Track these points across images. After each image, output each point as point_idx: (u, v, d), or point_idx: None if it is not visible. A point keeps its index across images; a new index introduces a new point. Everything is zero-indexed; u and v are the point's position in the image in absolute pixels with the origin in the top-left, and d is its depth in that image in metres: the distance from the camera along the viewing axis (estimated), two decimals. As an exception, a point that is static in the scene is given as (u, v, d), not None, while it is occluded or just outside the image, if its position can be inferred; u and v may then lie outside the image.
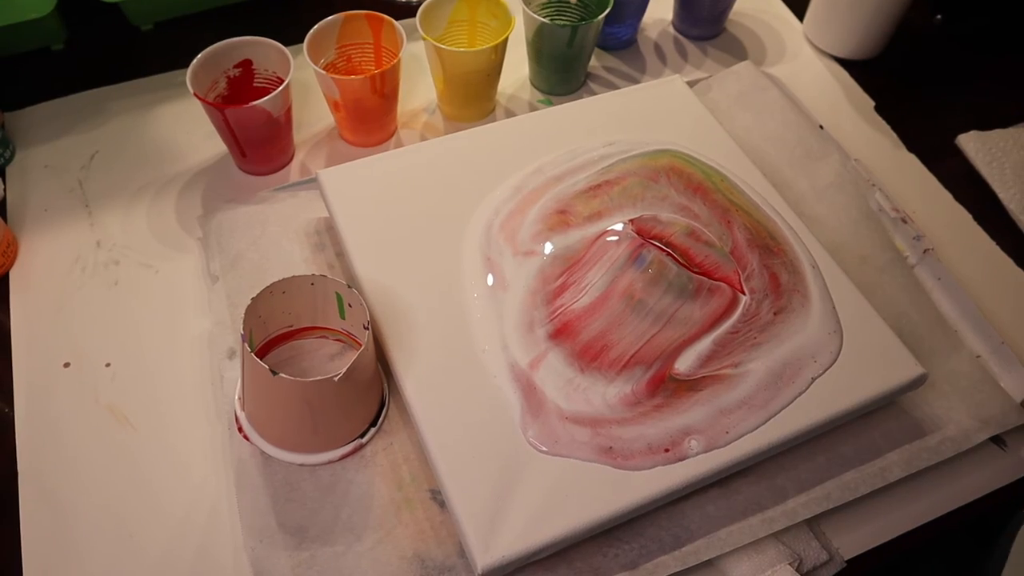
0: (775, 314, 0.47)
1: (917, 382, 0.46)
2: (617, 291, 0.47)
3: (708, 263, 0.49)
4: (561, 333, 0.46)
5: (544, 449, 0.42)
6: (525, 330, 0.46)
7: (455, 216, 0.50)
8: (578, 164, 0.54)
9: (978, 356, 0.51)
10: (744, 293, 0.48)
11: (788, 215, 0.52)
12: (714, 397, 0.44)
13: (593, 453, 0.42)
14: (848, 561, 0.44)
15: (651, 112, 0.57)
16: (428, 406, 0.43)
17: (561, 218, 0.51)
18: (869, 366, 0.45)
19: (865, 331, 0.47)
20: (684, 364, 0.45)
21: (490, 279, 0.48)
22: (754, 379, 0.45)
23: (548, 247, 0.49)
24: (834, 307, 0.48)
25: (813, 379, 0.45)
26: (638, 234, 0.50)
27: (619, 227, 0.50)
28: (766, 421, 0.43)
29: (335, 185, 0.51)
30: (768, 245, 0.51)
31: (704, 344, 0.46)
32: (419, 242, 0.49)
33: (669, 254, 0.49)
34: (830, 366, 0.45)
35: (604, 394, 0.44)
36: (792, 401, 0.44)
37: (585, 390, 0.44)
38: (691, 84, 0.63)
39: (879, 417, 0.47)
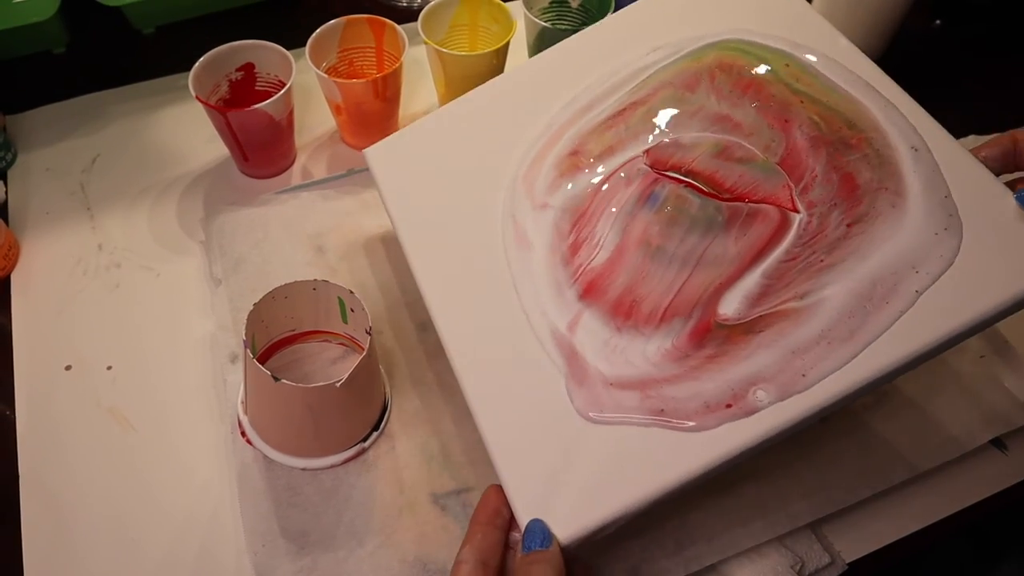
0: (848, 226, 0.39)
1: None
2: (632, 241, 0.42)
3: (743, 184, 0.42)
4: (589, 293, 0.41)
5: (593, 418, 0.38)
6: (555, 292, 0.42)
7: (491, 172, 0.46)
8: (613, 84, 0.47)
9: (982, 356, 0.51)
10: (797, 211, 0.40)
11: (889, 88, 0.44)
12: (780, 336, 0.37)
13: (645, 417, 0.37)
14: (850, 564, 0.44)
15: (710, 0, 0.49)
16: (480, 384, 0.40)
17: (573, 161, 0.45)
18: (1000, 265, 0.36)
19: (997, 222, 0.38)
20: (730, 307, 0.39)
21: (516, 239, 0.44)
22: (832, 307, 0.38)
23: (558, 198, 0.44)
24: (948, 197, 0.39)
25: (918, 292, 0.37)
26: (652, 167, 0.43)
27: (629, 163, 0.44)
28: (856, 355, 0.36)
29: (382, 161, 0.48)
30: (844, 137, 0.42)
31: (751, 281, 0.39)
32: (462, 205, 0.46)
33: (690, 184, 0.43)
34: (942, 273, 0.37)
35: (644, 352, 0.39)
36: (892, 324, 0.36)
37: (624, 351, 0.39)
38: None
39: (880, 418, 0.48)
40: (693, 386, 0.37)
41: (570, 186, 0.44)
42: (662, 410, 0.37)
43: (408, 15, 0.69)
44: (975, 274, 0.36)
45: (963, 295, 0.36)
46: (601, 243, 0.42)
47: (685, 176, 0.43)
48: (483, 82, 0.58)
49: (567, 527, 0.35)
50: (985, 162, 0.41)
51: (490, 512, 0.37)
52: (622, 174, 0.44)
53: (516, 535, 0.37)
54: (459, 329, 0.42)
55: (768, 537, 0.43)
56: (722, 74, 0.46)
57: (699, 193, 0.42)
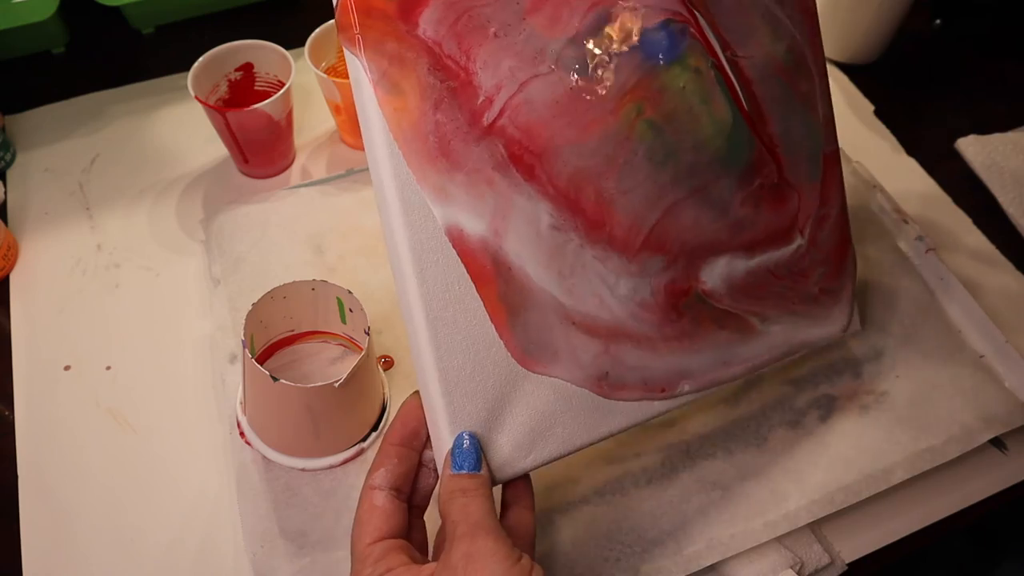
0: (820, 291, 0.38)
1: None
2: (602, 85, 0.26)
3: (785, 141, 0.32)
4: (521, 156, 0.26)
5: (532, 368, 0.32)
6: (436, 152, 0.27)
7: None
8: None
9: (982, 356, 0.51)
10: (802, 234, 0.35)
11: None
12: (728, 345, 0.36)
13: (583, 377, 0.32)
14: (849, 564, 0.44)
15: None
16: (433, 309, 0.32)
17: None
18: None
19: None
20: (711, 279, 0.33)
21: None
22: (768, 343, 0.37)
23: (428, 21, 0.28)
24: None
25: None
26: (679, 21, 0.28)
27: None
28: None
29: None
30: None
31: (738, 266, 0.33)
32: None
33: (724, 67, 0.29)
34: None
35: (614, 288, 0.31)
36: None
37: (587, 270, 0.30)
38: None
39: (880, 418, 0.47)
40: (645, 357, 0.33)
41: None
42: (606, 373, 0.32)
43: (407, 15, 0.69)
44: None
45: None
46: (541, 58, 0.25)
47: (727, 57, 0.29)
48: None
49: (505, 464, 0.33)
50: None
51: (408, 433, 0.34)
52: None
53: (429, 453, 0.35)
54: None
55: (768, 538, 0.43)
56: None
57: (732, 96, 0.29)
